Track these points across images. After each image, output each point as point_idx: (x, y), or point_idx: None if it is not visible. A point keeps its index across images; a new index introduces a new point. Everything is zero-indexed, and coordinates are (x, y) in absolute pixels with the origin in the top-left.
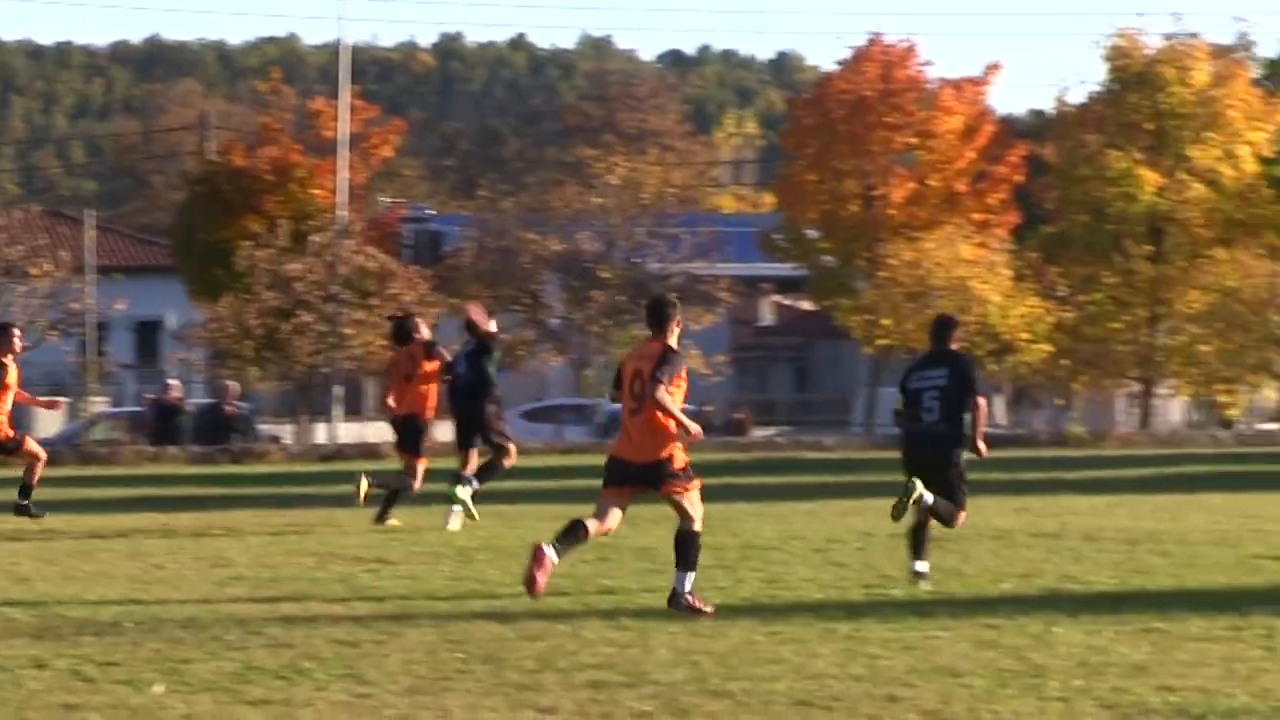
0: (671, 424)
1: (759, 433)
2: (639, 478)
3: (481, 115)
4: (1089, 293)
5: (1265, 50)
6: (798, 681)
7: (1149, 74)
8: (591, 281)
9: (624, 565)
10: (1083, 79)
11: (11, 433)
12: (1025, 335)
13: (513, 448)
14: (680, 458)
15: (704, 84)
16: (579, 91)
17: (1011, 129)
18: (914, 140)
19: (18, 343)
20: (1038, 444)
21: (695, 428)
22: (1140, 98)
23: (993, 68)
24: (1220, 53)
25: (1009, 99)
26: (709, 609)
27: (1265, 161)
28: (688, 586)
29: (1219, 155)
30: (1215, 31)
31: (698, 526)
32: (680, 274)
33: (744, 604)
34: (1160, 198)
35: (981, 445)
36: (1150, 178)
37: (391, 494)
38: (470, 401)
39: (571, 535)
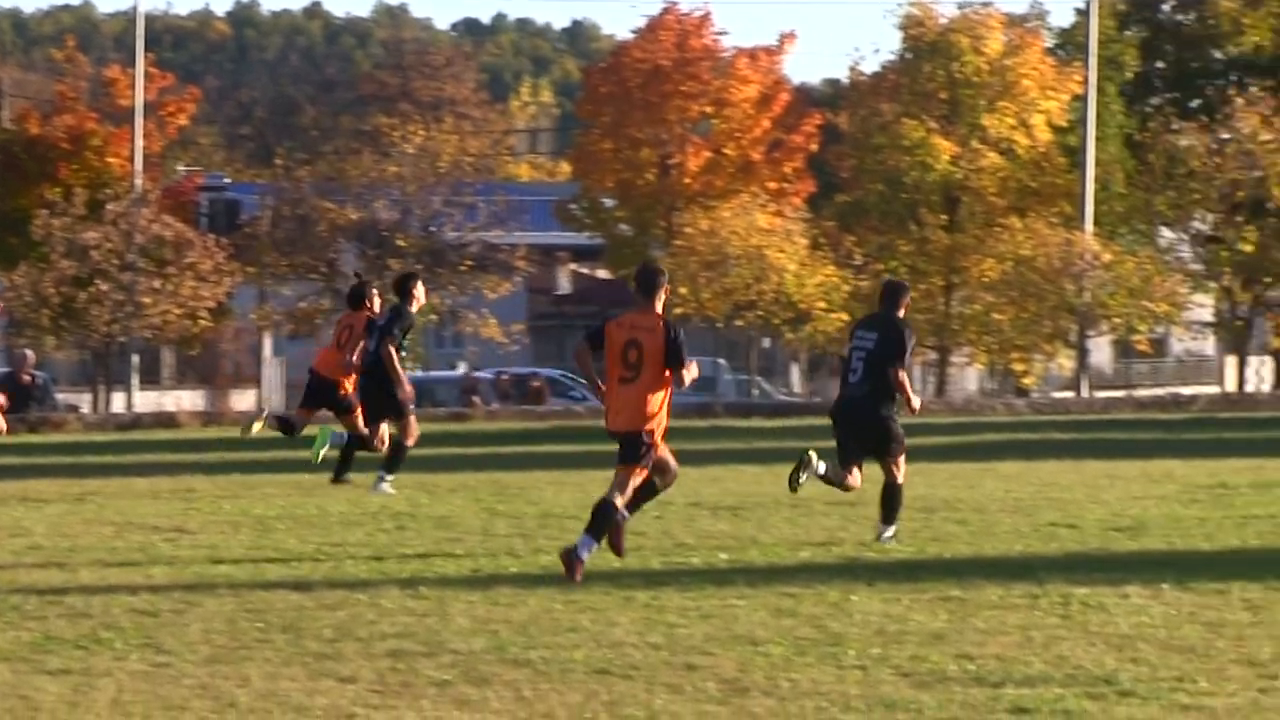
0: (662, 398)
1: (556, 401)
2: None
3: (277, 84)
4: (884, 261)
5: (1058, 19)
6: (596, 650)
7: (943, 43)
8: (388, 250)
9: (423, 534)
10: (877, 48)
11: None
12: (821, 304)
13: (412, 424)
14: (657, 431)
15: (500, 52)
16: (374, 60)
17: (806, 98)
18: (709, 109)
19: None
20: None
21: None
22: (934, 67)
23: (787, 37)
24: (1014, 22)
25: (804, 68)
26: (579, 578)
27: (1058, 130)
28: (585, 555)
29: (1013, 124)
30: (1008, 1)
31: (620, 502)
32: (477, 242)
33: (542, 572)
34: (955, 166)
35: (915, 402)
36: (945, 147)
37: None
38: (370, 379)
39: (648, 493)
